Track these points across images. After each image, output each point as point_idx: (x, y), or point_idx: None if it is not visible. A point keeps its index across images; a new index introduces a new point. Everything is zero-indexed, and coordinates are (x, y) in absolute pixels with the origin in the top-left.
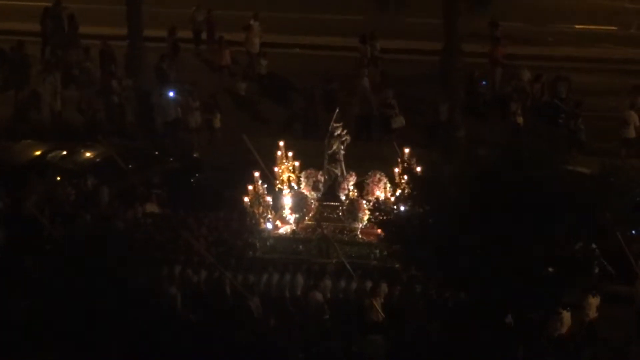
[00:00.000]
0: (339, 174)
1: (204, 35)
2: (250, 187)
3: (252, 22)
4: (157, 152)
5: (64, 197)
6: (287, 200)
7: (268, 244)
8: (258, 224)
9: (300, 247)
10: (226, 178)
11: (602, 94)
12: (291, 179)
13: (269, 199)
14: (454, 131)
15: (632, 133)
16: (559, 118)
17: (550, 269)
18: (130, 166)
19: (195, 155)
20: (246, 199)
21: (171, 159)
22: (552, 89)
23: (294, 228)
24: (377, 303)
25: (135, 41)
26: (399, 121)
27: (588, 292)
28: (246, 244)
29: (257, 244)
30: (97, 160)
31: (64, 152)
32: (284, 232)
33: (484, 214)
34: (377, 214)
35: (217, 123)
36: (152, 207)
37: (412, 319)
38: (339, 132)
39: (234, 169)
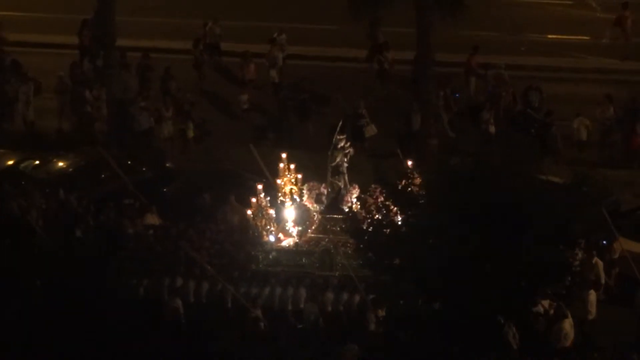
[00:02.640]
0: (342, 186)
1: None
2: (253, 200)
3: (276, 35)
4: (129, 162)
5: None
6: (290, 213)
7: (271, 256)
8: (261, 236)
9: (304, 259)
10: (199, 187)
11: (574, 103)
12: (293, 191)
13: (272, 211)
14: (426, 140)
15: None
16: (531, 127)
17: (522, 277)
18: (102, 176)
19: (168, 165)
20: (249, 212)
21: (144, 169)
22: (524, 98)
23: (297, 241)
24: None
25: (110, 51)
26: (371, 130)
27: (561, 299)
28: (249, 257)
29: (260, 257)
30: (70, 170)
31: (37, 162)
32: (287, 245)
33: (456, 222)
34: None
35: (191, 133)
36: (152, 219)
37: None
38: (342, 144)
39: (208, 178)
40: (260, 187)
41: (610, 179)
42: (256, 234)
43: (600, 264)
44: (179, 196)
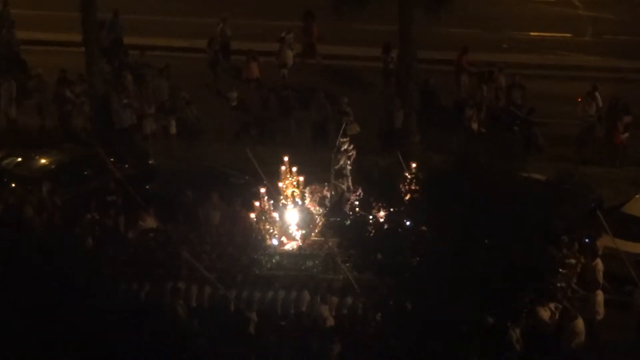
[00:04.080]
0: (346, 189)
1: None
2: (256, 204)
3: (284, 34)
4: (112, 159)
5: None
6: (293, 216)
7: (274, 260)
8: (264, 240)
9: (308, 263)
10: (182, 184)
11: (556, 100)
12: (295, 194)
13: (275, 215)
14: (408, 137)
15: None
16: (514, 124)
17: (504, 274)
18: (85, 173)
19: (150, 162)
20: (252, 215)
21: (126, 166)
22: (507, 95)
23: (300, 244)
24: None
25: (91, 48)
26: (353, 128)
27: (546, 298)
28: (251, 260)
29: (263, 261)
30: (52, 167)
31: (19, 159)
32: (290, 249)
33: (439, 219)
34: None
35: (173, 130)
36: (151, 222)
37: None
38: (345, 147)
39: (190, 175)
40: (263, 190)
41: (593, 176)
42: (259, 237)
43: (601, 265)
44: (161, 193)
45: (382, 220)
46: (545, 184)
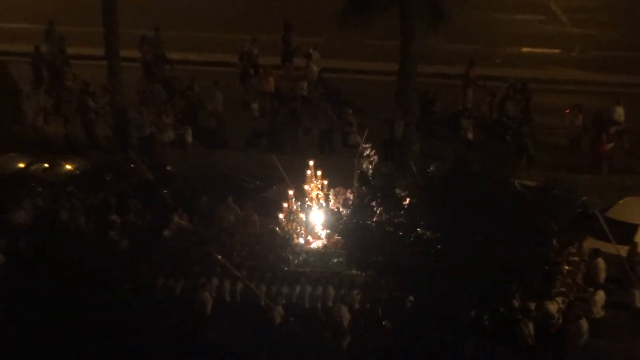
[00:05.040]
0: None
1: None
2: (284, 205)
3: (311, 50)
4: (132, 165)
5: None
6: (318, 217)
7: (301, 258)
8: (291, 239)
9: (333, 260)
10: (198, 189)
11: (546, 111)
12: (320, 196)
13: (302, 215)
14: (408, 146)
15: None
16: (506, 135)
17: (496, 273)
18: (107, 178)
19: (168, 168)
20: (281, 216)
21: (145, 172)
22: (501, 107)
23: (325, 243)
24: None
25: (113, 61)
26: (354, 139)
27: (538, 295)
28: (279, 258)
29: (291, 258)
30: (77, 172)
31: (46, 165)
32: (316, 247)
33: (436, 222)
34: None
35: (189, 138)
36: (182, 221)
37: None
38: (367, 152)
39: (206, 181)
40: (291, 192)
41: (580, 183)
42: (287, 236)
43: (603, 264)
44: (179, 197)
45: (383, 222)
46: (535, 190)
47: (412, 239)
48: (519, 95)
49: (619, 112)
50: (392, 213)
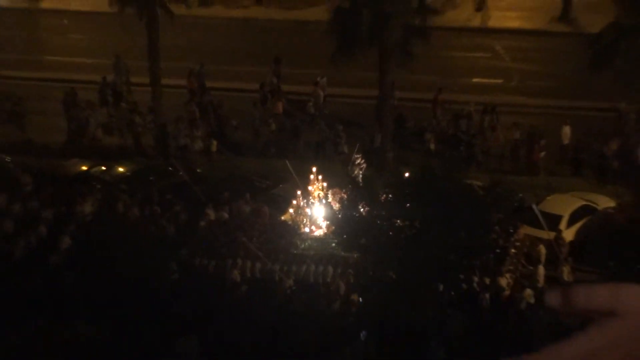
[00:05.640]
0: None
1: None
2: (294, 202)
3: (319, 79)
4: (170, 168)
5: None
6: (320, 211)
7: (306, 243)
8: (299, 228)
9: (332, 244)
10: (220, 187)
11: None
12: (320, 195)
13: (307, 210)
14: (384, 154)
15: None
16: (460, 145)
17: (452, 253)
18: (150, 178)
19: (198, 170)
20: (291, 210)
21: (180, 173)
22: (455, 124)
23: (325, 231)
24: None
25: (156, 87)
26: (342, 148)
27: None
28: (289, 243)
29: (298, 243)
30: (128, 174)
31: (103, 168)
32: (318, 235)
33: (407, 214)
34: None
35: (214, 147)
36: (211, 214)
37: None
38: (358, 161)
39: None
40: (299, 192)
41: (517, 183)
42: (295, 226)
43: (543, 249)
44: (206, 194)
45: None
46: (482, 188)
47: (388, 227)
48: (488, 115)
49: (566, 131)
50: (373, 207)
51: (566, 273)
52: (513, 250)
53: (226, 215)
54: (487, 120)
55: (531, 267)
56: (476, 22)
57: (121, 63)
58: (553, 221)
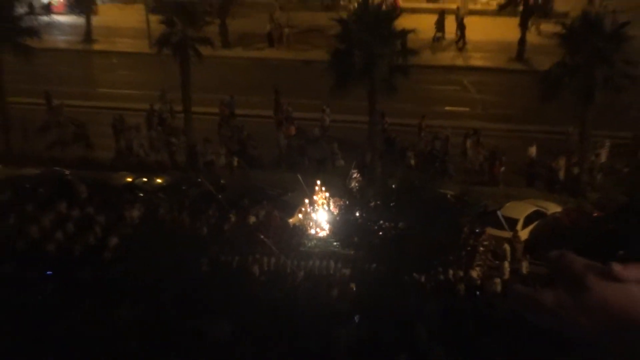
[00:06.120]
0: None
1: None
2: (303, 209)
3: (325, 107)
4: (199, 180)
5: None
6: (323, 216)
7: (312, 242)
8: (306, 230)
9: (333, 243)
10: (239, 195)
11: (460, 147)
12: (324, 203)
13: (313, 215)
14: (373, 168)
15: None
16: (435, 162)
17: (430, 249)
18: (183, 188)
19: (222, 182)
20: (300, 215)
21: (207, 184)
22: (432, 144)
23: (327, 232)
24: None
25: (187, 114)
26: (339, 163)
27: (465, 267)
28: (299, 242)
29: (305, 242)
30: (164, 184)
31: (145, 179)
32: (321, 235)
33: (392, 218)
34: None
35: (235, 163)
36: (234, 218)
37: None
38: (354, 175)
39: (244, 190)
40: (307, 200)
41: (482, 193)
42: (303, 228)
43: (508, 248)
44: (228, 201)
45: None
46: (453, 197)
47: (377, 228)
48: (470, 138)
49: (532, 150)
50: (365, 212)
51: (525, 267)
52: (481, 248)
53: (254, 219)
54: (469, 141)
55: (497, 262)
56: (448, 61)
57: (165, 94)
58: (511, 223)
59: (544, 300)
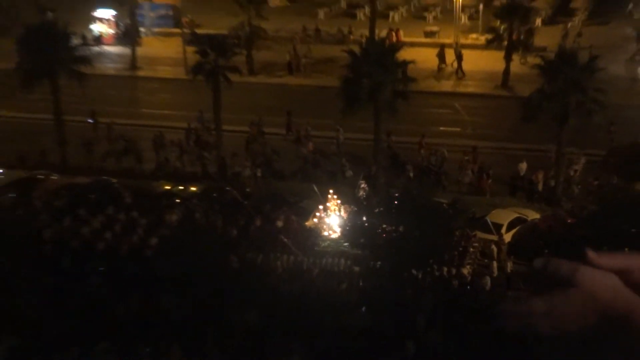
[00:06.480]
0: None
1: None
2: (317, 214)
3: (339, 127)
4: (227, 188)
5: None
6: (335, 220)
7: (326, 243)
8: (320, 232)
9: (344, 244)
10: (263, 201)
11: (453, 162)
12: (335, 209)
13: (326, 219)
14: (378, 180)
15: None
16: (430, 175)
17: (425, 251)
18: (214, 195)
19: (247, 190)
20: (315, 220)
21: (235, 192)
22: (427, 159)
23: (339, 234)
24: None
25: (219, 132)
26: (348, 174)
27: (457, 265)
28: (314, 243)
29: (320, 242)
30: (198, 192)
31: (181, 187)
32: (334, 237)
33: (393, 222)
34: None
35: (259, 173)
36: (259, 222)
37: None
38: (362, 185)
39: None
40: (321, 207)
41: (471, 202)
42: (319, 230)
43: (495, 249)
44: (253, 207)
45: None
46: (446, 204)
47: (380, 231)
48: (468, 155)
49: (522, 166)
50: (370, 218)
51: (509, 266)
52: (471, 249)
53: (281, 224)
54: (467, 158)
55: (486, 260)
56: (442, 88)
57: (202, 115)
58: (496, 228)
59: (535, 308)
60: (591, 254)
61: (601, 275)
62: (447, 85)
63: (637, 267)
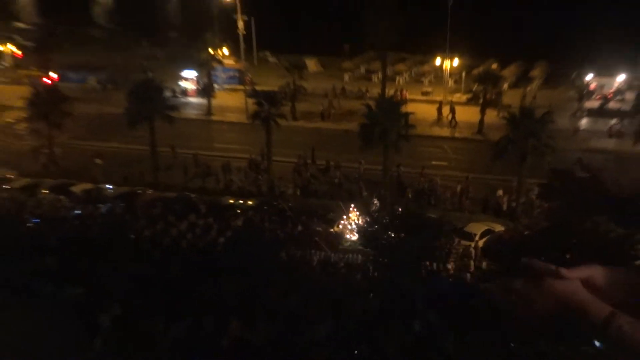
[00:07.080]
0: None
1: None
2: (342, 222)
3: (361, 160)
4: (275, 202)
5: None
6: (354, 227)
7: (347, 244)
8: (343, 235)
9: (359, 244)
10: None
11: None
12: (354, 219)
13: (347, 226)
14: (386, 199)
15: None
16: (423, 196)
17: (419, 255)
18: (265, 207)
19: (290, 204)
20: (340, 226)
21: (282, 205)
22: (423, 185)
23: (357, 238)
24: None
25: (270, 162)
26: (365, 194)
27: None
28: (339, 243)
29: (343, 243)
30: (254, 205)
31: (241, 201)
32: (353, 239)
33: (395, 230)
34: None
35: (298, 192)
36: (317, 228)
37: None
38: (375, 202)
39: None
40: (344, 217)
41: (453, 216)
42: (342, 235)
43: (473, 251)
44: (296, 216)
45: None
46: (435, 219)
47: (387, 235)
48: (461, 183)
49: (500, 192)
50: (379, 226)
51: (484, 264)
52: (454, 251)
53: (330, 230)
54: (459, 186)
55: (465, 260)
56: (434, 132)
57: (264, 149)
58: (471, 236)
59: (515, 285)
60: (563, 272)
61: (565, 282)
62: (438, 131)
63: (595, 274)
